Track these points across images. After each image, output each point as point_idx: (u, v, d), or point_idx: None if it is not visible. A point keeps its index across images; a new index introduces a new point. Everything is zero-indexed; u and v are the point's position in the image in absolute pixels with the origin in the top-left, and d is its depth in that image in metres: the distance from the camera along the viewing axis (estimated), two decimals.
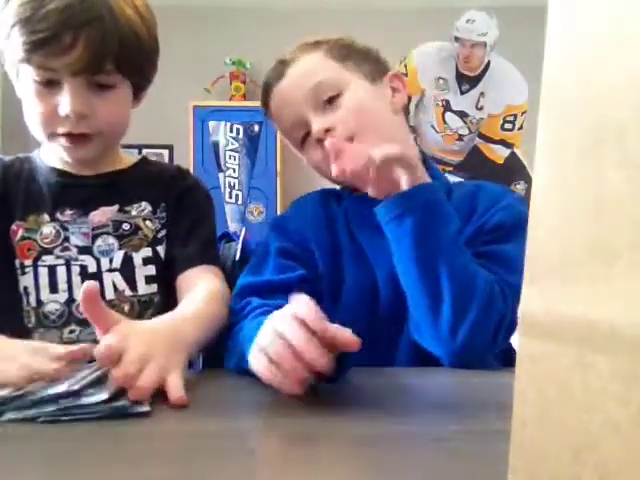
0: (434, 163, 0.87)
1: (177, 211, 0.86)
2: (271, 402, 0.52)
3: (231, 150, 3.15)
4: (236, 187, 3.15)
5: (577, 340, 0.22)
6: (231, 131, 3.14)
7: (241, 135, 3.14)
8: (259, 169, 3.15)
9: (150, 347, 0.54)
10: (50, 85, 0.73)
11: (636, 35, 0.20)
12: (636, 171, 0.20)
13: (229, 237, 0.99)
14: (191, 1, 3.20)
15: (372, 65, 0.82)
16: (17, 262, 0.79)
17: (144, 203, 0.84)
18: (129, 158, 0.91)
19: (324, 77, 0.78)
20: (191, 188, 0.89)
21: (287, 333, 0.48)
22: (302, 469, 0.36)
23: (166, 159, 3.26)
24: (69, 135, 0.75)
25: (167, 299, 0.83)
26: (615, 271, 0.20)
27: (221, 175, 3.13)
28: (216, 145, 3.15)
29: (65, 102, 0.72)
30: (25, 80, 0.74)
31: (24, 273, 0.79)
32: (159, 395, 0.50)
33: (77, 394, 0.47)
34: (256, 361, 0.52)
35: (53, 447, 0.40)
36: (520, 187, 3.28)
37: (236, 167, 3.16)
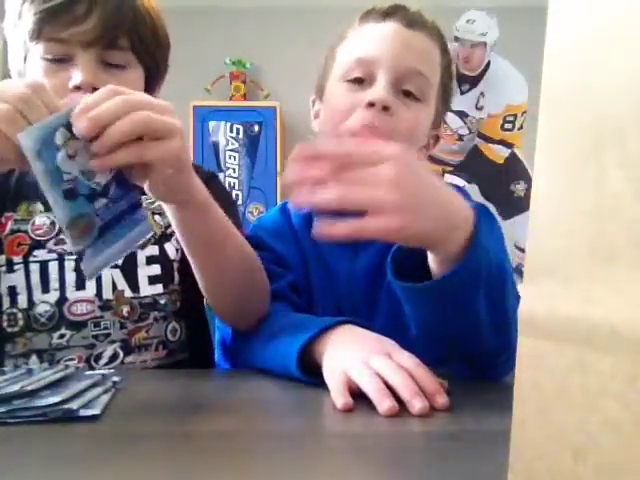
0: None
1: None
2: (257, 402, 0.52)
3: (231, 150, 3.15)
4: (236, 187, 3.15)
5: (577, 340, 0.22)
6: (231, 131, 3.14)
7: (241, 135, 3.13)
8: (259, 169, 3.15)
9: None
10: (60, 62, 0.70)
11: (636, 35, 0.20)
12: (636, 171, 0.20)
13: None
14: (191, 1, 3.20)
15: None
16: (3, 258, 0.72)
17: None
18: None
19: (427, 71, 0.78)
20: (210, 177, 0.83)
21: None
22: (289, 469, 0.36)
23: None
24: None
25: (182, 298, 0.77)
26: (615, 271, 0.20)
27: (221, 175, 3.13)
28: (216, 145, 3.15)
29: (77, 74, 0.69)
30: (33, 63, 0.71)
31: (12, 271, 0.72)
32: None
33: (31, 395, 0.45)
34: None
35: (52, 448, 0.40)
36: (520, 187, 3.27)
37: (236, 167, 3.16)
